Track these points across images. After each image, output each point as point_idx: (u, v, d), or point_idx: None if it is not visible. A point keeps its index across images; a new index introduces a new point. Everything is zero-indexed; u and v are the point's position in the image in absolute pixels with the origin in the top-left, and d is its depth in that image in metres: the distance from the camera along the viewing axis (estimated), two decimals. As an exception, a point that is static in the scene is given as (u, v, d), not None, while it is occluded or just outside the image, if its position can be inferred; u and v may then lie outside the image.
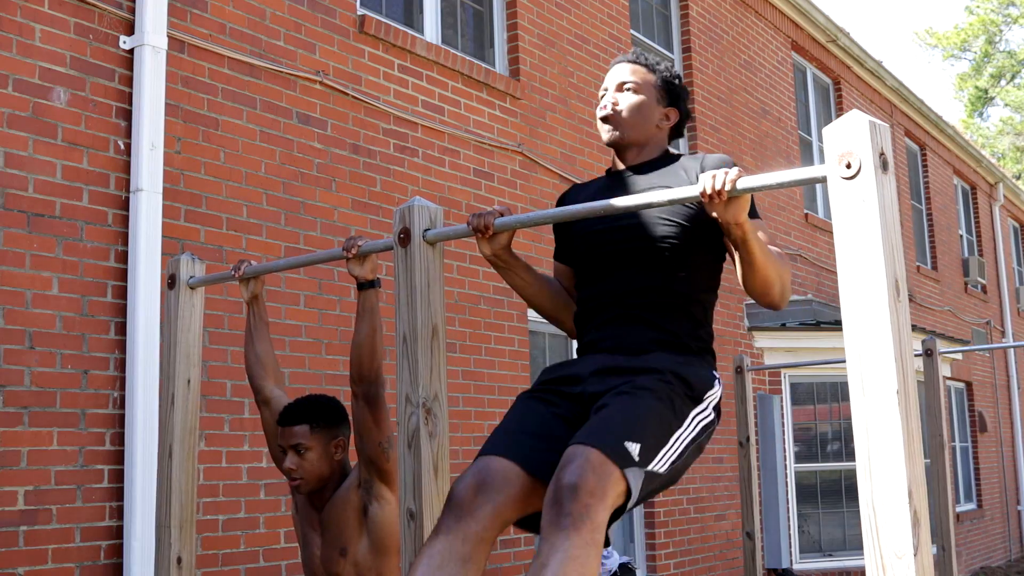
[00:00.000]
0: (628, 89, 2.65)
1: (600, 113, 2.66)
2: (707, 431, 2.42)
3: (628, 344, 2.47)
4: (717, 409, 2.48)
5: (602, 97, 2.70)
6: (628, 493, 2.10)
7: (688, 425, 2.34)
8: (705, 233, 2.50)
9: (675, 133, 2.75)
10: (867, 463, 1.80)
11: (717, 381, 2.50)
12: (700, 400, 2.41)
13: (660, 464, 2.22)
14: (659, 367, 2.37)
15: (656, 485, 2.26)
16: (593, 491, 2.02)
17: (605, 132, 2.66)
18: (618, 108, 2.63)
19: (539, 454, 2.22)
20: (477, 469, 2.22)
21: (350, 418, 3.18)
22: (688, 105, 2.73)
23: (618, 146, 2.66)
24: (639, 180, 2.60)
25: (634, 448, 2.12)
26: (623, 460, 2.09)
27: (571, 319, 2.69)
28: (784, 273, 2.41)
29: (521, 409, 2.40)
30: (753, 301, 2.50)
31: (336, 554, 3.14)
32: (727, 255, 2.57)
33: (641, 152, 2.65)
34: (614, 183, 2.66)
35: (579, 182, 2.79)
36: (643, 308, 2.49)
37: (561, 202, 2.76)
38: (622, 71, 2.68)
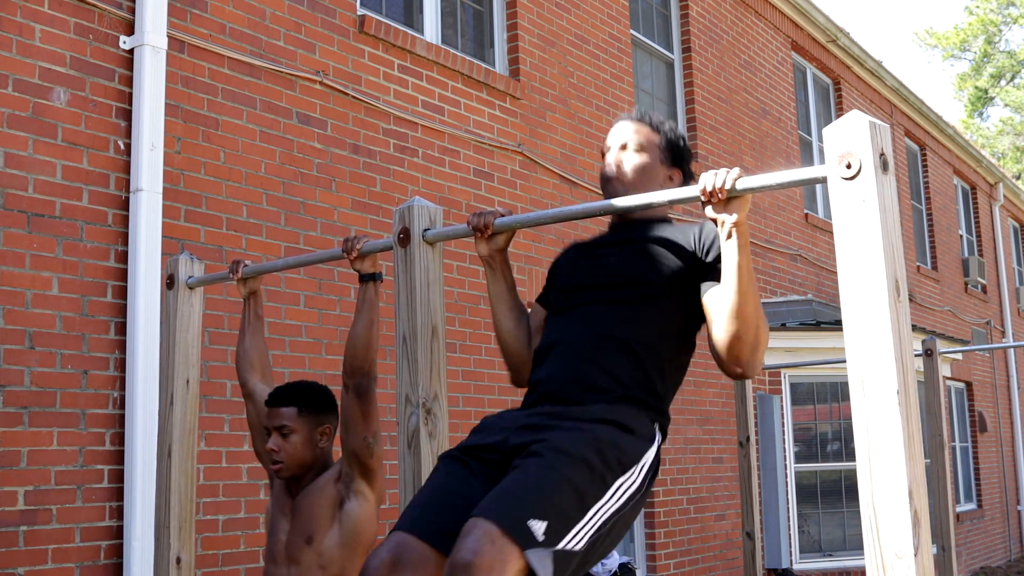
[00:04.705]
0: (632, 150, 2.56)
1: (605, 172, 2.56)
2: (634, 500, 2.18)
3: (568, 388, 2.31)
4: (651, 472, 2.25)
5: (604, 155, 2.60)
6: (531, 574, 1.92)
7: (611, 496, 2.11)
8: (689, 293, 2.38)
9: None
10: (867, 463, 1.80)
11: (655, 444, 2.28)
12: (628, 466, 2.16)
13: (575, 541, 2.01)
14: (587, 421, 2.17)
15: (575, 564, 2.02)
16: (490, 569, 1.86)
17: (606, 191, 2.56)
18: (623, 169, 2.54)
19: (456, 529, 1.99)
20: (392, 545, 2.06)
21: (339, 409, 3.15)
22: (691, 167, 2.63)
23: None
24: (638, 231, 2.51)
25: (538, 527, 1.93)
26: (525, 539, 1.91)
27: (521, 352, 2.59)
28: (761, 323, 2.21)
29: (440, 477, 2.21)
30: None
31: (301, 541, 3.08)
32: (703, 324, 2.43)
33: (643, 213, 2.55)
34: (613, 235, 2.57)
35: (582, 239, 2.73)
36: (598, 348, 2.34)
37: (562, 255, 2.66)
38: (625, 130, 2.59)
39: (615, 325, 2.36)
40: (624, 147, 2.57)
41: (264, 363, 3.39)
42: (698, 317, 2.41)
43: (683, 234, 2.45)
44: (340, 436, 3.08)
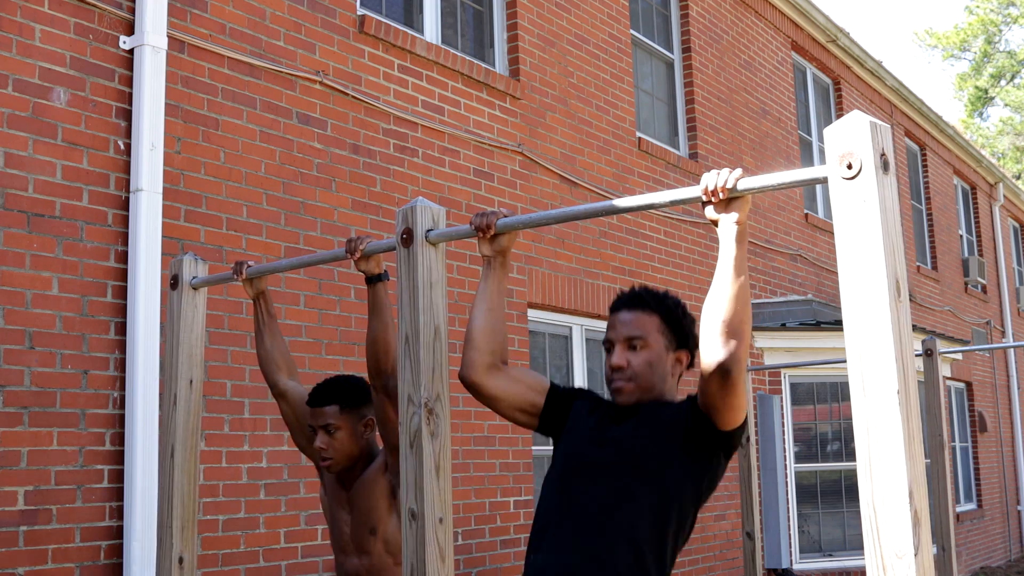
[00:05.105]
0: (635, 347, 2.55)
1: (615, 382, 2.55)
2: None
3: None
4: None
5: (608, 350, 2.60)
6: None
7: None
8: (689, 467, 2.43)
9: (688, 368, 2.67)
10: (868, 463, 1.80)
11: None
12: None
13: None
14: None
15: None
16: None
17: (617, 397, 2.56)
18: (626, 376, 2.55)
19: None
20: None
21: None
22: (696, 334, 2.57)
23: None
24: (642, 411, 2.54)
25: None
26: None
27: (481, 354, 2.58)
28: (746, 317, 2.24)
29: None
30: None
31: (366, 532, 3.23)
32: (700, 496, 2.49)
33: (649, 397, 2.58)
34: (614, 415, 2.59)
35: (600, 395, 2.76)
36: (596, 536, 2.40)
37: (579, 394, 2.69)
38: (625, 324, 2.57)
39: (616, 513, 2.40)
40: (626, 344, 2.56)
41: (288, 360, 3.47)
42: (700, 494, 2.46)
43: (677, 408, 2.51)
44: (379, 432, 3.19)
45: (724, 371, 2.26)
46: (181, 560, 2.93)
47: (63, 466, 4.17)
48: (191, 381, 3.05)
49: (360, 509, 3.25)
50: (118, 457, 4.36)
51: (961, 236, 15.56)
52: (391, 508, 3.21)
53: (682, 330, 2.61)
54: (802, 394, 9.34)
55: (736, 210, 2.16)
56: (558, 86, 7.23)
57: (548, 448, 6.21)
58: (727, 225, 2.18)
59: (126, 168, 4.53)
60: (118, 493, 4.34)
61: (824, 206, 11.23)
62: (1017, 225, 18.74)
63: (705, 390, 2.36)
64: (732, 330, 2.23)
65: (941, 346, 6.87)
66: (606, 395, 2.71)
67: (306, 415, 3.35)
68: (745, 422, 2.48)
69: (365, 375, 3.24)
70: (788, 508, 8.97)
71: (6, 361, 4.04)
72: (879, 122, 1.89)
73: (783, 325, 9.01)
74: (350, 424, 3.26)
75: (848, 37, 11.53)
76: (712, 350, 2.26)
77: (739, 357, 2.25)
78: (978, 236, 16.21)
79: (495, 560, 6.09)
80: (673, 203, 2.24)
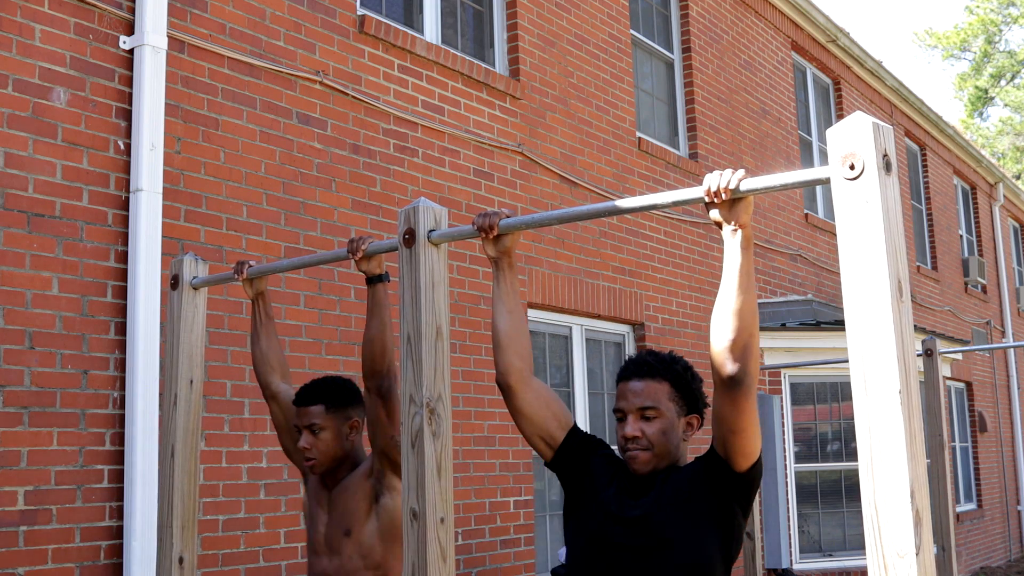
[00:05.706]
0: (648, 417, 2.54)
1: (629, 452, 2.54)
2: None
3: None
4: None
5: (620, 420, 2.58)
6: None
7: None
8: (721, 540, 2.42)
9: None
10: (869, 463, 1.80)
11: None
12: None
13: None
14: None
15: None
16: None
17: (632, 466, 2.54)
18: (640, 445, 2.53)
19: None
20: None
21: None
22: (705, 396, 2.58)
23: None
24: (660, 482, 2.53)
25: None
26: None
27: (508, 355, 2.56)
28: (754, 329, 2.23)
29: None
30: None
31: (340, 533, 3.21)
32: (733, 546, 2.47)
33: (663, 464, 2.57)
34: (631, 486, 2.57)
35: (613, 450, 2.71)
36: None
37: (596, 447, 2.66)
38: (635, 394, 2.56)
39: None
40: (638, 415, 2.55)
41: (282, 362, 3.48)
42: (729, 558, 2.45)
43: (691, 468, 2.50)
44: (368, 435, 3.17)
45: (735, 382, 2.25)
46: (181, 560, 2.93)
47: (63, 466, 4.17)
48: (191, 381, 3.05)
49: (338, 510, 3.24)
50: (118, 457, 4.35)
51: (961, 236, 15.56)
52: (369, 512, 3.19)
53: (692, 394, 2.59)
54: (802, 394, 9.34)
55: (740, 212, 2.15)
56: (558, 86, 7.23)
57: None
58: (731, 229, 2.17)
59: (126, 168, 4.53)
60: (118, 493, 4.33)
61: (824, 206, 11.23)
62: (1017, 225, 18.75)
63: (719, 413, 2.34)
64: (739, 346, 2.23)
65: (941, 346, 6.87)
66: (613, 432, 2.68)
67: (294, 417, 3.34)
68: (759, 469, 2.44)
69: (360, 375, 3.23)
70: (788, 508, 8.97)
71: (6, 361, 4.04)
72: (881, 123, 1.89)
73: (783, 325, 9.01)
74: (335, 425, 3.26)
75: (848, 37, 11.53)
76: (721, 366, 2.25)
77: (748, 369, 2.24)
78: (978, 236, 16.21)
79: (495, 560, 6.09)
80: (675, 204, 2.23)
